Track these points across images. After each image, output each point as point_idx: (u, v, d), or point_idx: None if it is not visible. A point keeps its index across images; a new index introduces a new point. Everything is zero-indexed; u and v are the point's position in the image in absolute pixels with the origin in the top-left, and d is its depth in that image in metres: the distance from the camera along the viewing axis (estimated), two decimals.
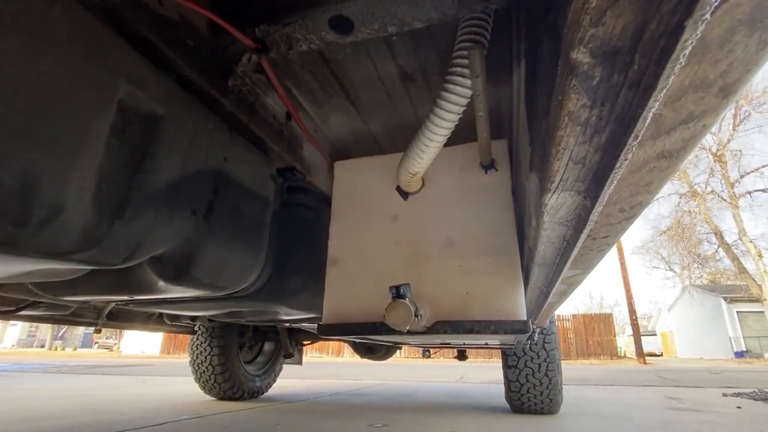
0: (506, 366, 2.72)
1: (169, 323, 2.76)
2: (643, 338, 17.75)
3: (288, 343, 3.54)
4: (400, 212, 1.33)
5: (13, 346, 33.54)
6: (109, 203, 0.82)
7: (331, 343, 18.87)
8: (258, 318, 1.92)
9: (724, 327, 21.99)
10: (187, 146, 1.01)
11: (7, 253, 0.70)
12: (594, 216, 0.63)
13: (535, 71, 0.64)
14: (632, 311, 17.32)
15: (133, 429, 2.04)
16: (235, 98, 1.15)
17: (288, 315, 1.77)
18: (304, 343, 3.87)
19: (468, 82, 0.88)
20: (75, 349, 30.96)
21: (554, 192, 0.59)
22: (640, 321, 19.81)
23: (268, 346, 3.95)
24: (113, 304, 1.85)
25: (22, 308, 1.63)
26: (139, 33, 0.89)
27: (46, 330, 33.14)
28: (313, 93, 1.37)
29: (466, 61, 0.87)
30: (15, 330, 34.78)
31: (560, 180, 0.59)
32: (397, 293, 1.03)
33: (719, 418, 2.62)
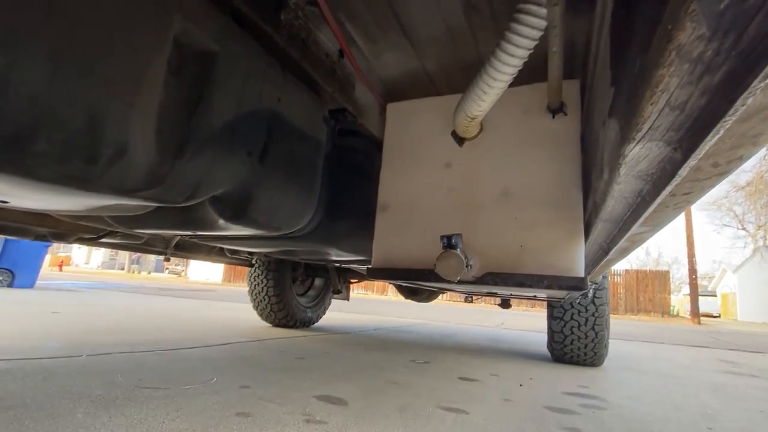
0: (551, 317, 2.70)
1: (230, 256, 2.97)
2: (701, 299, 16.88)
3: (337, 281, 3.73)
4: (454, 159, 1.27)
5: (98, 267, 38.31)
6: (171, 143, 0.85)
7: (376, 282, 19.70)
8: (310, 257, 1.99)
9: None
10: (242, 86, 1.00)
11: (81, 189, 0.75)
12: (683, 171, 0.55)
13: None
14: (692, 270, 16.37)
15: (201, 346, 2.29)
16: (287, 33, 1.11)
17: (338, 256, 1.82)
18: (352, 281, 4.06)
19: (543, 11, 0.77)
20: (149, 273, 34.79)
21: (638, 142, 0.52)
22: (700, 281, 18.78)
23: (318, 282, 4.19)
24: (179, 237, 2.00)
25: (102, 236, 1.81)
26: None
27: (124, 255, 37.28)
28: (366, 27, 1.29)
29: None
30: (99, 254, 39.48)
31: (649, 128, 0.52)
32: (449, 243, 1.01)
33: None
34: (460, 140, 1.23)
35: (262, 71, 1.07)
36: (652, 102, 0.46)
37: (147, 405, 1.15)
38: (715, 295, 32.01)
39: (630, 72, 0.54)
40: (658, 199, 0.61)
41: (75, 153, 0.67)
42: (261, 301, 3.63)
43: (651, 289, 19.08)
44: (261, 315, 3.73)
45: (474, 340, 3.93)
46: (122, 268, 37.07)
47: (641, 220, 0.71)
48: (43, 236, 1.66)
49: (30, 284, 7.18)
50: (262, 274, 3.58)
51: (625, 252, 1.24)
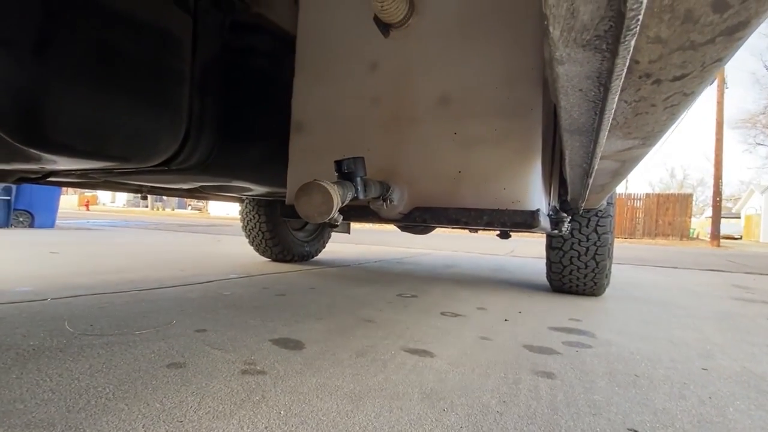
0: (550, 247, 2.53)
1: (211, 192, 2.84)
2: (723, 221, 16.41)
3: None
4: (380, 57, 0.95)
5: (123, 205, 39.77)
6: None
7: None
8: (234, 193, 1.70)
9: None
10: None
11: None
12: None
13: None
14: (717, 192, 15.75)
15: (181, 285, 2.25)
16: None
17: (258, 190, 1.55)
18: None
19: None
20: (173, 210, 36.01)
21: None
22: (725, 203, 18.25)
23: None
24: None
25: (48, 175, 1.66)
26: None
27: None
28: None
29: None
30: (123, 193, 40.91)
31: None
32: (339, 170, 0.77)
33: None
34: (384, 27, 0.91)
35: None
36: None
37: (76, 357, 1.07)
38: (739, 217, 31.19)
39: None
40: (617, 80, 0.38)
41: None
42: (255, 237, 3.57)
43: (671, 212, 18.69)
44: (257, 250, 3.70)
45: (475, 270, 3.85)
46: (147, 206, 38.32)
47: (607, 121, 0.48)
48: None
49: (50, 224, 7.47)
50: (252, 210, 3.48)
51: (618, 175, 1.01)
